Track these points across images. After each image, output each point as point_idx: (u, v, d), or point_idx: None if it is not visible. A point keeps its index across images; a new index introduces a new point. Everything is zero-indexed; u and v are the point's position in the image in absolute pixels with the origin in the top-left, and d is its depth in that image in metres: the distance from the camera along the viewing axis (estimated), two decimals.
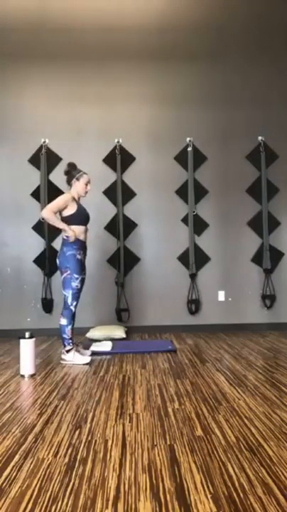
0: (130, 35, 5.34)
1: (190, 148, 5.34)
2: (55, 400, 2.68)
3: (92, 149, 5.30)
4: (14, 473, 1.74)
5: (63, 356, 3.72)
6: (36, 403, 2.62)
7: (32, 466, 1.80)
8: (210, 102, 5.38)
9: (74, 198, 3.78)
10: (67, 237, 3.71)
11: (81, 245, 3.76)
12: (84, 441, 2.04)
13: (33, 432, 2.16)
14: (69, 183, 3.87)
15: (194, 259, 5.30)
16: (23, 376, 3.25)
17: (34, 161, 5.27)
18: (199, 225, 5.33)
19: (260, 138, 5.38)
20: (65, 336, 3.70)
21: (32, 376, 3.25)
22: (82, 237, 3.77)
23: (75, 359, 3.67)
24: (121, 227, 5.25)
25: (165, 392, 2.78)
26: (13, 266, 5.24)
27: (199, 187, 5.35)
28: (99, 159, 5.30)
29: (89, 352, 3.93)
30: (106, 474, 1.71)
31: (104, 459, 1.84)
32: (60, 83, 5.33)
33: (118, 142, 5.32)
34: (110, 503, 1.51)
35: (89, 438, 2.07)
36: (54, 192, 5.25)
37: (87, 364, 3.63)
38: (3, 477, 1.71)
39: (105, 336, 4.67)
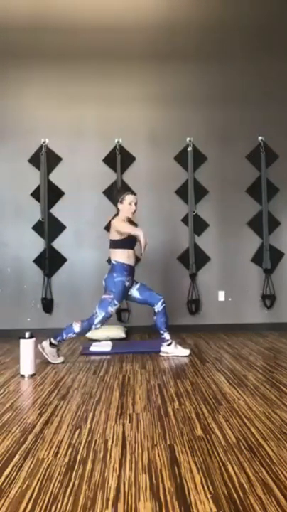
0: (130, 35, 5.34)
1: (190, 148, 5.34)
2: (55, 400, 2.68)
3: (92, 149, 5.30)
4: (14, 473, 1.74)
5: (45, 344, 3.67)
6: (36, 403, 2.62)
7: (32, 466, 1.80)
8: (210, 102, 5.38)
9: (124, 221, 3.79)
10: (115, 262, 3.73)
11: (130, 271, 3.79)
12: (84, 441, 2.04)
13: (33, 432, 2.16)
14: (117, 207, 3.87)
15: (194, 259, 5.31)
16: (23, 376, 3.25)
17: (34, 161, 5.27)
18: (199, 225, 5.33)
19: (260, 138, 5.38)
20: (64, 335, 3.69)
21: (32, 376, 3.25)
22: (131, 262, 3.80)
23: (50, 356, 3.66)
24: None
25: (165, 392, 2.78)
26: (13, 266, 5.24)
27: (199, 187, 5.35)
28: (99, 159, 5.30)
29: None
30: (106, 474, 1.71)
31: (104, 459, 1.84)
32: (60, 83, 5.33)
33: (118, 142, 5.32)
34: (110, 503, 1.51)
35: (89, 438, 2.07)
36: (54, 192, 5.27)
37: (60, 363, 3.66)
38: (3, 477, 1.71)
39: (105, 336, 4.67)
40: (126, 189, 3.96)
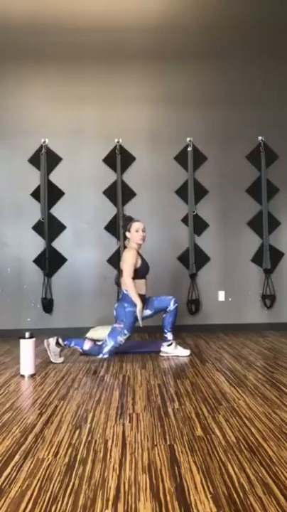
0: (130, 35, 5.34)
1: (190, 148, 5.34)
2: (55, 400, 2.68)
3: (92, 149, 5.30)
4: (14, 473, 1.74)
5: (51, 341, 3.70)
6: (36, 403, 2.62)
7: (32, 466, 1.80)
8: (210, 102, 5.38)
9: (137, 251, 3.83)
10: (127, 292, 3.75)
11: (142, 300, 3.78)
12: (84, 441, 2.04)
13: (33, 432, 2.16)
14: (126, 237, 3.95)
15: (194, 259, 5.30)
16: (23, 376, 3.25)
17: (34, 161, 5.27)
18: (199, 225, 5.33)
19: (260, 138, 5.38)
20: (73, 343, 3.73)
21: (32, 376, 3.25)
22: (143, 291, 3.82)
23: (52, 354, 3.70)
24: (121, 227, 5.24)
25: (165, 392, 2.78)
26: (13, 266, 5.24)
27: (199, 187, 5.35)
28: (99, 159, 5.30)
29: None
30: (106, 474, 1.71)
31: (104, 459, 1.84)
32: (60, 83, 5.32)
33: (118, 142, 5.32)
34: (110, 503, 1.51)
35: (89, 438, 2.07)
36: (54, 192, 5.27)
37: (60, 363, 3.70)
38: (3, 477, 1.71)
39: (105, 336, 4.65)
40: (131, 218, 3.95)
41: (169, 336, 3.89)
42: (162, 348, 3.91)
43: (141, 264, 3.83)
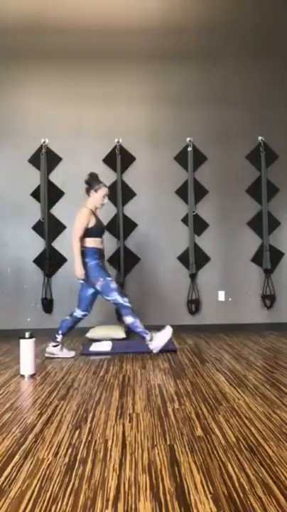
0: (130, 35, 5.34)
1: (190, 148, 5.34)
2: (55, 400, 2.68)
3: (92, 149, 5.30)
4: (14, 473, 1.74)
5: (151, 347, 3.82)
6: (36, 403, 2.62)
7: (32, 466, 1.80)
8: (210, 102, 5.38)
9: (92, 211, 3.85)
10: (85, 248, 3.81)
11: (100, 254, 3.88)
12: (84, 441, 2.04)
13: (33, 432, 2.16)
14: (87, 192, 3.94)
15: (194, 259, 5.31)
16: (23, 376, 3.25)
17: (34, 161, 5.27)
18: (199, 225, 5.33)
19: (260, 138, 5.39)
20: (139, 330, 3.81)
21: (32, 376, 3.25)
22: (101, 247, 3.90)
23: (163, 338, 3.82)
24: (121, 227, 5.25)
25: (165, 392, 2.78)
26: (13, 266, 5.24)
27: (199, 187, 5.35)
28: (99, 159, 5.30)
29: (72, 353, 3.95)
30: (106, 474, 1.71)
31: (104, 459, 1.84)
32: (60, 83, 5.33)
33: (118, 142, 5.32)
34: (110, 503, 1.51)
35: (89, 438, 2.07)
36: (54, 192, 5.27)
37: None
38: (3, 477, 1.71)
39: (105, 336, 4.67)
40: (98, 177, 3.97)
41: (59, 338, 3.91)
42: (47, 349, 3.91)
43: (96, 224, 3.86)
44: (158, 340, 3.82)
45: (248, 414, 2.34)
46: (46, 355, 3.91)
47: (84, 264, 3.81)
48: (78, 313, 3.93)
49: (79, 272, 3.77)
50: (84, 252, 3.83)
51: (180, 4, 5.40)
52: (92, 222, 3.82)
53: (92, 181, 3.92)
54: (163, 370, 3.39)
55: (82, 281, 3.89)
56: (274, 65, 5.44)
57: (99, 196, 3.89)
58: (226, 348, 4.20)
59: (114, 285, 3.81)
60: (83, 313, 3.93)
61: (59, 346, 3.91)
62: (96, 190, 3.89)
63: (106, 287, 3.79)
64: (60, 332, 3.93)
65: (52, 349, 3.90)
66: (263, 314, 5.34)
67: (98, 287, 3.81)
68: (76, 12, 5.32)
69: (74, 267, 3.80)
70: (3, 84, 5.32)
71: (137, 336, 4.95)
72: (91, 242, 3.83)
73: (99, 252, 3.87)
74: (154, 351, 3.81)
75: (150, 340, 3.82)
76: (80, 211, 3.85)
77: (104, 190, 3.90)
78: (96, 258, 3.83)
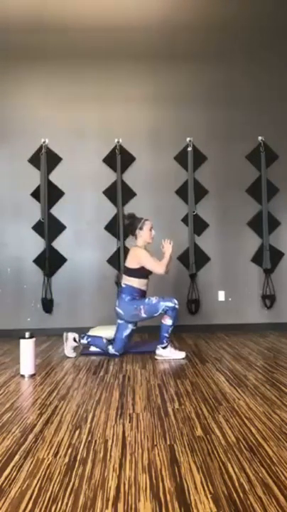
0: (130, 35, 5.34)
1: (190, 148, 5.34)
2: (55, 400, 2.68)
3: (92, 149, 5.30)
4: (14, 473, 1.74)
5: (158, 352, 3.77)
6: (36, 403, 2.62)
7: (32, 466, 1.80)
8: (210, 102, 5.38)
9: (147, 250, 3.85)
10: (126, 285, 3.83)
11: (142, 295, 3.84)
12: (84, 441, 2.04)
13: (33, 432, 2.16)
14: (132, 234, 3.93)
15: (194, 259, 5.30)
16: (23, 376, 3.25)
17: (34, 161, 5.27)
18: (199, 225, 5.33)
19: (260, 138, 5.38)
20: (165, 334, 3.75)
21: (32, 376, 3.25)
22: (144, 288, 3.88)
23: (172, 354, 3.76)
24: (121, 227, 5.25)
25: (165, 392, 2.78)
26: (13, 266, 5.24)
27: (199, 187, 5.35)
28: (99, 159, 5.30)
29: (74, 354, 3.95)
30: (106, 474, 1.71)
31: (104, 459, 1.84)
32: (60, 83, 5.33)
33: (118, 142, 5.32)
34: (110, 503, 1.51)
35: (89, 438, 2.07)
36: (54, 192, 5.27)
37: (183, 358, 3.77)
38: (3, 477, 1.71)
39: (105, 336, 4.65)
40: (135, 216, 3.96)
41: (83, 340, 3.92)
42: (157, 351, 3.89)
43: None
44: (169, 353, 3.76)
45: (248, 414, 2.34)
46: (65, 334, 3.94)
47: (121, 300, 3.79)
48: (111, 350, 3.87)
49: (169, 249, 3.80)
50: (123, 289, 3.81)
51: (181, 4, 5.40)
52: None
53: (134, 221, 3.89)
54: (163, 370, 3.39)
55: (120, 321, 3.86)
56: (274, 65, 5.44)
57: (146, 232, 3.87)
58: (226, 348, 4.20)
59: (154, 299, 3.74)
60: (116, 353, 3.87)
61: (75, 344, 3.90)
62: (141, 228, 3.87)
63: (151, 308, 3.73)
64: (89, 340, 3.90)
65: (71, 340, 3.88)
66: (263, 314, 5.34)
67: (144, 315, 3.75)
68: (76, 12, 5.32)
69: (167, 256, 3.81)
70: (3, 84, 5.32)
71: (137, 336, 4.95)
72: (135, 283, 3.80)
73: (141, 293, 3.82)
74: (157, 357, 3.79)
75: (163, 348, 3.77)
76: (138, 252, 3.82)
77: (149, 224, 3.89)
78: (135, 297, 3.79)
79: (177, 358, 3.76)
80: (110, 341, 3.92)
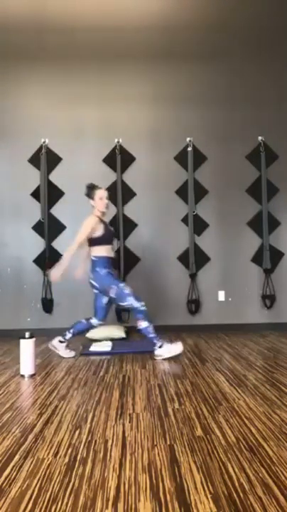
0: (130, 35, 5.34)
1: (190, 148, 5.34)
2: (55, 400, 2.68)
3: (92, 149, 5.30)
4: (14, 473, 1.74)
5: (157, 353, 3.76)
6: (36, 403, 2.62)
7: (32, 466, 1.80)
8: (210, 102, 5.39)
9: (99, 219, 3.84)
10: (95, 257, 3.82)
11: (111, 263, 3.87)
12: (84, 441, 2.04)
13: (33, 432, 2.16)
14: (91, 205, 3.94)
15: (194, 259, 5.30)
16: (23, 376, 3.25)
17: (34, 161, 5.27)
18: (199, 225, 5.33)
19: (260, 138, 5.39)
20: (151, 335, 3.76)
21: (32, 376, 3.25)
22: (111, 255, 3.90)
23: (171, 350, 3.75)
24: (121, 227, 5.25)
25: (165, 392, 2.78)
26: (13, 266, 5.24)
27: (199, 187, 5.35)
28: (99, 159, 5.30)
29: (72, 353, 3.96)
30: (106, 474, 1.71)
31: (104, 459, 1.84)
32: (60, 83, 5.33)
33: (118, 142, 5.32)
34: (110, 503, 1.51)
35: (89, 438, 2.07)
36: (54, 192, 5.27)
37: (181, 351, 3.77)
38: (3, 477, 1.71)
39: (105, 336, 4.67)
40: (94, 185, 3.97)
41: (69, 335, 3.91)
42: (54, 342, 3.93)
43: (105, 231, 3.84)
44: (166, 350, 3.76)
45: (248, 414, 2.34)
46: (49, 346, 3.94)
47: (95, 273, 3.80)
48: (95, 321, 3.92)
49: (55, 276, 3.75)
50: (94, 262, 3.82)
51: (181, 4, 5.40)
52: (100, 231, 3.81)
53: (89, 191, 3.93)
54: (163, 370, 3.39)
55: (96, 291, 3.89)
56: (274, 65, 5.44)
57: (96, 201, 3.88)
58: (226, 348, 4.20)
59: (128, 290, 3.76)
60: (100, 322, 3.94)
61: (64, 344, 3.91)
62: (92, 198, 3.89)
63: (120, 293, 3.75)
64: (71, 331, 3.92)
65: (57, 344, 3.91)
66: (263, 314, 5.34)
67: (112, 295, 3.78)
68: (76, 12, 5.32)
69: (54, 269, 3.80)
70: (3, 83, 5.32)
71: (137, 336, 4.95)
72: (101, 251, 3.82)
73: (110, 261, 3.87)
74: (157, 358, 3.80)
75: (159, 347, 3.78)
76: (88, 218, 3.84)
77: (99, 193, 3.88)
78: (106, 267, 3.81)
79: (176, 352, 3.76)
80: (88, 319, 3.93)
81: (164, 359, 3.74)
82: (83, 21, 5.32)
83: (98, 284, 3.82)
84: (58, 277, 3.75)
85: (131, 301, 3.74)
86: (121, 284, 3.78)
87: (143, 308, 3.76)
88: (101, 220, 3.87)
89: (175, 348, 3.77)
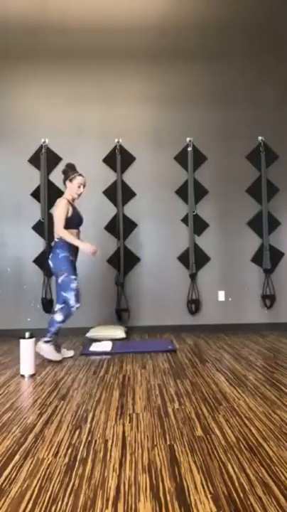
0: (130, 35, 5.34)
1: (190, 148, 5.34)
2: (55, 399, 2.68)
3: (92, 149, 5.30)
4: (14, 473, 1.74)
5: (40, 344, 3.70)
6: (36, 403, 2.62)
7: (32, 466, 1.80)
8: (210, 102, 5.39)
9: (69, 201, 3.80)
10: (59, 239, 3.75)
11: (73, 248, 3.79)
12: (84, 441, 2.04)
13: (33, 432, 2.16)
14: (64, 183, 3.89)
15: (194, 259, 5.30)
16: (23, 376, 3.25)
17: (34, 161, 5.27)
18: (199, 225, 5.33)
19: (260, 138, 5.38)
20: (52, 329, 3.71)
21: (32, 376, 3.25)
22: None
23: (50, 354, 3.69)
24: (121, 227, 5.25)
25: (165, 392, 2.78)
26: (13, 266, 5.24)
27: (199, 187, 5.35)
28: (99, 159, 5.30)
29: (71, 353, 3.93)
30: (106, 474, 1.71)
31: (104, 459, 1.84)
32: (60, 83, 5.33)
33: (118, 142, 5.32)
34: (110, 503, 1.51)
35: (89, 438, 2.07)
36: (54, 192, 5.27)
37: (58, 362, 3.68)
38: (3, 477, 1.71)
39: (105, 336, 4.67)
40: (76, 169, 3.89)
41: (49, 335, 3.78)
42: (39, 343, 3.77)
43: (73, 214, 3.79)
44: (49, 350, 3.67)
45: (248, 414, 2.34)
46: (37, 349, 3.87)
47: (55, 254, 3.72)
48: (74, 307, 3.73)
49: (91, 248, 3.68)
50: (57, 243, 3.75)
51: (181, 4, 5.40)
52: (68, 213, 3.76)
53: (68, 171, 3.84)
54: (163, 370, 3.39)
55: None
56: (274, 65, 5.44)
57: (74, 186, 3.81)
58: (226, 348, 4.20)
59: (75, 286, 3.69)
60: (78, 304, 3.76)
61: (56, 347, 3.84)
62: (71, 180, 3.81)
63: (67, 283, 3.68)
64: (48, 331, 3.77)
65: (43, 344, 3.77)
66: (263, 314, 5.34)
67: (59, 281, 3.72)
68: (76, 12, 5.32)
69: (82, 249, 3.72)
70: (3, 84, 5.32)
71: (137, 336, 4.95)
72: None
73: (72, 246, 3.76)
74: (38, 350, 3.66)
75: (45, 342, 3.68)
76: (58, 202, 3.78)
77: (79, 180, 3.81)
78: (67, 251, 3.73)
79: (54, 359, 3.68)
80: (62, 307, 3.79)
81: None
82: (83, 21, 5.32)
83: (53, 264, 3.73)
84: (93, 248, 3.69)
85: (70, 296, 3.67)
86: (73, 277, 3.70)
87: (73, 310, 3.70)
88: (71, 203, 3.81)
89: (55, 356, 3.69)
